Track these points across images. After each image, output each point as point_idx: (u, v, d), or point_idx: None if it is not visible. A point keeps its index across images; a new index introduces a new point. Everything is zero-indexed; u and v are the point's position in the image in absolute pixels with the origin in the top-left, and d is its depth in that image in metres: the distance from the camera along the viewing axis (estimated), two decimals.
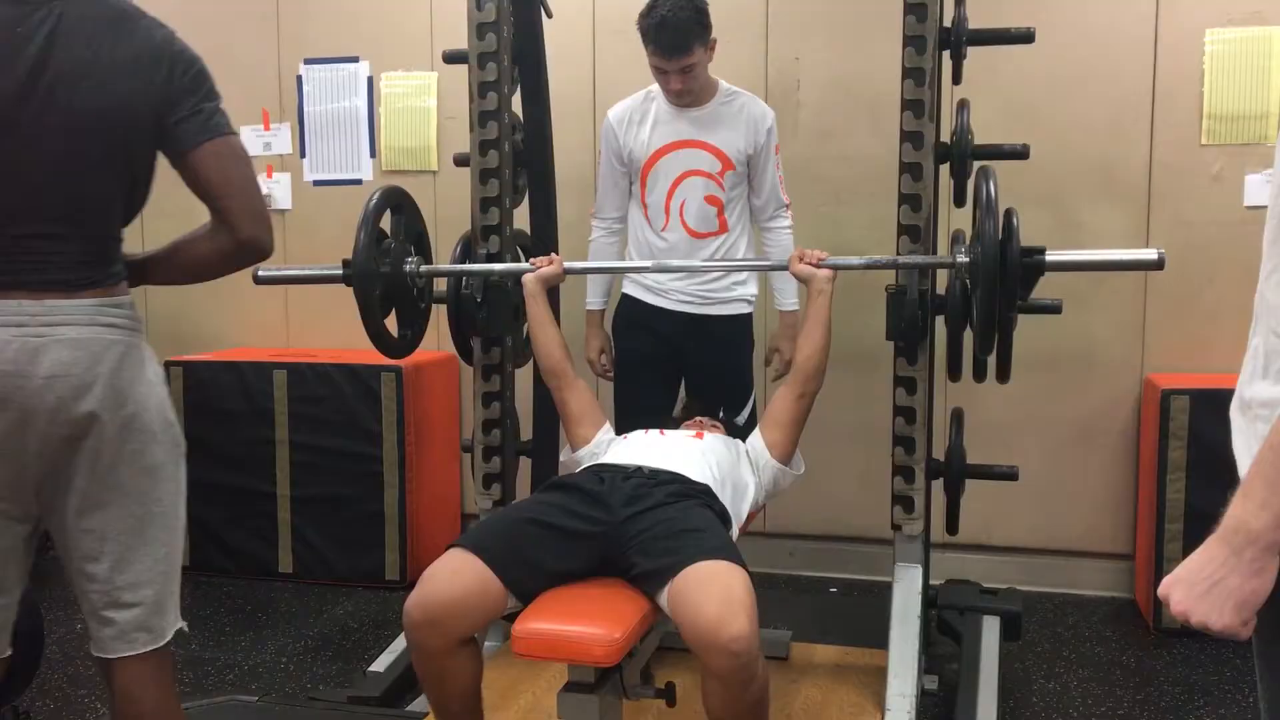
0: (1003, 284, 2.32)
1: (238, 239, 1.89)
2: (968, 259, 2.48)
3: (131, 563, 1.84)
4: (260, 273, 2.93)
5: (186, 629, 1.94)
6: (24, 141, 1.76)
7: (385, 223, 2.86)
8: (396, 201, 2.90)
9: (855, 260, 2.73)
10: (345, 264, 2.74)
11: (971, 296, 2.53)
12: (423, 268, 2.89)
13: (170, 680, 1.93)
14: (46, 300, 1.75)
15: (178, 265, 2.00)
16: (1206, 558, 1.12)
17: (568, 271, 2.87)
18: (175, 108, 1.85)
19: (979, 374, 2.76)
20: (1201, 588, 1.12)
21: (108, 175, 1.83)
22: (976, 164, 2.89)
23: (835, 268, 2.68)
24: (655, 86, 3.16)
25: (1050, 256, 2.37)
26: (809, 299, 2.70)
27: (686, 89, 3.05)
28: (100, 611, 1.84)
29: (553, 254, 2.90)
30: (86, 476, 1.79)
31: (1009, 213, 2.39)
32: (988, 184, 2.39)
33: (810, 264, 2.68)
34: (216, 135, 1.89)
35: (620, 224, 3.32)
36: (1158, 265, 2.38)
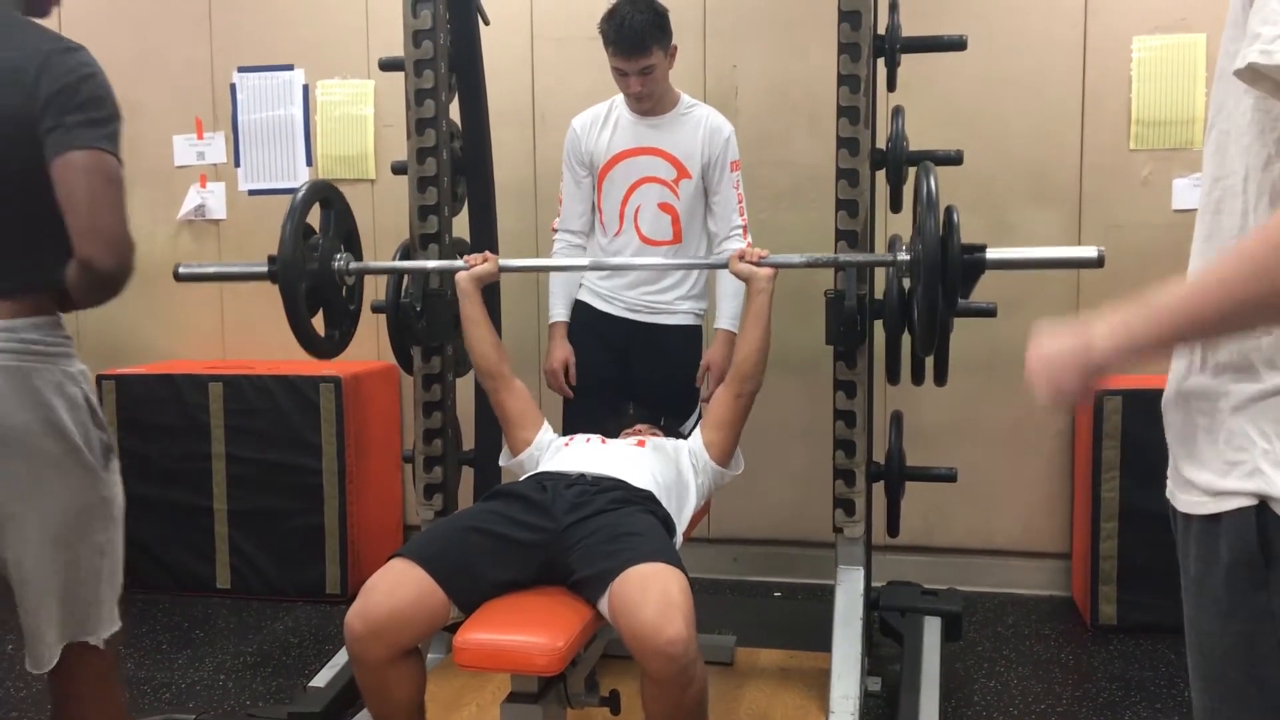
0: (944, 281, 2.34)
1: (76, 259, 1.79)
2: (909, 256, 2.49)
3: (29, 586, 1.87)
4: (181, 270, 2.81)
5: (103, 645, 1.96)
6: None
7: (316, 219, 2.78)
8: (325, 196, 2.80)
9: (796, 258, 2.71)
10: (271, 260, 2.63)
11: (912, 296, 2.55)
12: (352, 265, 2.79)
13: (87, 703, 1.98)
14: None
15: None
16: (1063, 339, 1.26)
17: (503, 269, 2.82)
18: (43, 119, 1.79)
19: (918, 377, 2.79)
20: (1046, 369, 1.27)
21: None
22: (912, 175, 2.93)
23: (776, 266, 2.66)
24: (619, 96, 3.19)
25: (991, 254, 2.38)
26: (748, 297, 2.68)
27: (646, 92, 3.07)
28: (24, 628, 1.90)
29: (487, 252, 2.85)
30: None
31: (949, 209, 2.41)
32: (928, 180, 2.39)
33: (751, 262, 2.67)
34: (72, 149, 1.78)
35: (583, 237, 3.29)
36: (1097, 263, 2.41)
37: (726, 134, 3.19)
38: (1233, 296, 1.05)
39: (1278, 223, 1.02)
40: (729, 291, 3.20)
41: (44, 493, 1.85)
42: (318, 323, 2.78)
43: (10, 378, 1.80)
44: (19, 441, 1.81)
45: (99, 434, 1.92)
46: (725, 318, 3.21)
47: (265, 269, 2.65)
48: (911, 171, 2.92)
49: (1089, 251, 2.40)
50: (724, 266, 2.75)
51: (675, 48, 3.10)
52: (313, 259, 2.69)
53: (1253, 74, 1.06)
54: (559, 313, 3.30)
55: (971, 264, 2.35)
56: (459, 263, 2.83)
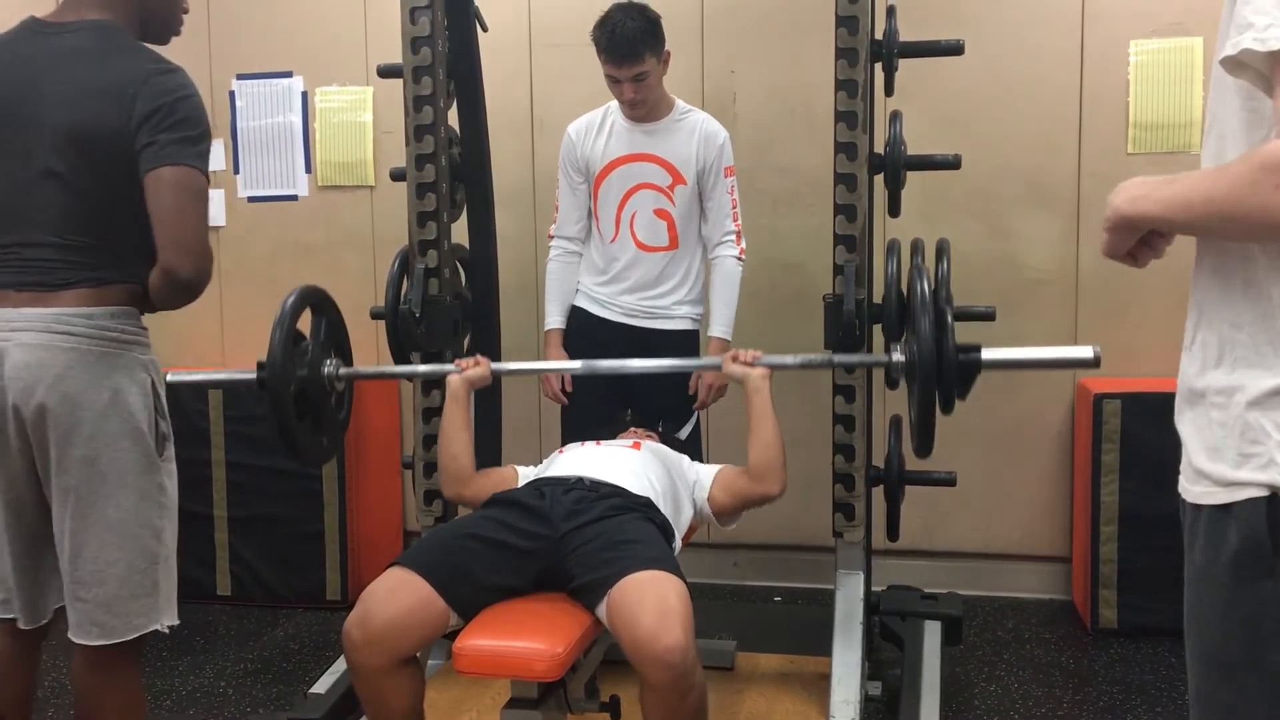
0: (940, 382, 2.29)
1: (159, 266, 1.99)
2: (903, 358, 2.46)
3: (84, 559, 2.01)
4: (170, 378, 2.80)
5: (166, 629, 2.12)
6: (7, 155, 2.01)
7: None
8: (315, 301, 2.74)
9: (790, 359, 2.62)
10: (260, 366, 2.58)
11: (908, 392, 2.47)
12: (342, 370, 2.74)
13: (124, 681, 2.11)
14: (22, 306, 1.99)
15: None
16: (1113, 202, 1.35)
17: (495, 373, 2.78)
18: (137, 135, 1.97)
19: (920, 453, 2.75)
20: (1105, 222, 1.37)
21: (89, 188, 2.00)
22: (910, 180, 2.93)
23: (770, 367, 2.60)
24: (614, 102, 3.20)
25: (986, 354, 2.32)
26: (746, 398, 2.59)
27: (640, 99, 3.07)
28: (68, 598, 2.05)
29: (478, 355, 2.79)
30: (51, 472, 2.00)
31: (943, 311, 2.36)
32: (921, 283, 2.34)
33: (745, 363, 2.60)
34: (163, 164, 1.95)
35: (579, 244, 3.29)
36: (1093, 363, 2.39)
37: (721, 140, 3.19)
38: (1209, 204, 1.19)
39: (1263, 150, 1.10)
40: (722, 299, 3.19)
41: (104, 470, 2.00)
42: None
43: (84, 359, 1.99)
44: (87, 419, 1.98)
45: (161, 422, 2.09)
46: (718, 325, 3.20)
47: (254, 375, 2.60)
48: (909, 176, 2.94)
49: (1085, 352, 2.35)
50: (717, 366, 2.69)
51: (668, 53, 3.11)
52: (302, 365, 2.64)
53: (1234, 64, 1.09)
54: (554, 320, 3.30)
55: (967, 365, 2.30)
56: (450, 366, 2.78)
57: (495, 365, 2.78)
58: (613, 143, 3.19)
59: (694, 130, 3.17)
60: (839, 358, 2.69)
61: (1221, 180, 1.16)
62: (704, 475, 2.70)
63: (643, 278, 3.21)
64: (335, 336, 2.79)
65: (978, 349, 2.31)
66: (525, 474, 2.69)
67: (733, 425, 3.91)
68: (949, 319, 2.32)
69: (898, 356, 2.46)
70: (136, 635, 2.07)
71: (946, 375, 2.27)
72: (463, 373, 2.72)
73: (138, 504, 2.03)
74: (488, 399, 3.17)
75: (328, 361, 2.71)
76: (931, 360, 2.24)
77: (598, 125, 3.23)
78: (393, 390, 4.30)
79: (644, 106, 3.12)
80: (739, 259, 3.21)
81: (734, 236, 3.21)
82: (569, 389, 3.26)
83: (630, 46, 2.97)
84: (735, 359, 2.62)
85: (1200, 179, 1.20)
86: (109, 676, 2.09)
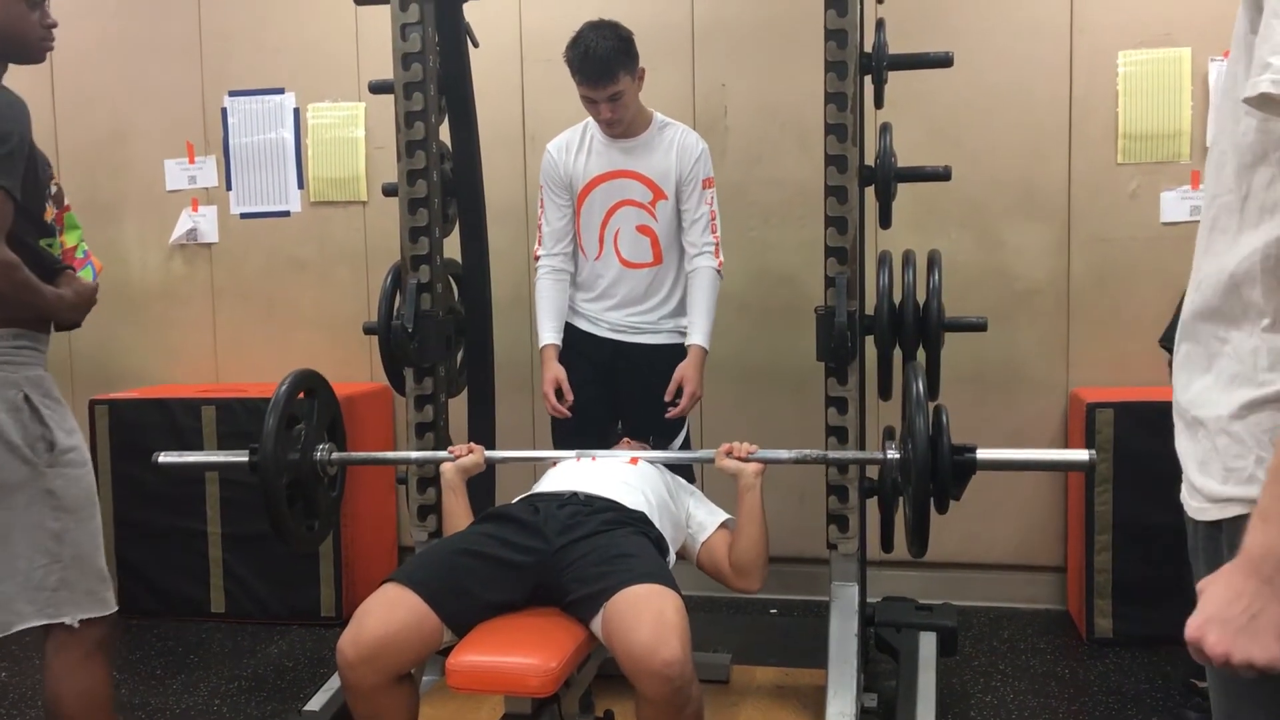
0: (934, 480, 2.29)
1: None
2: (898, 455, 2.45)
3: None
4: (162, 459, 2.83)
5: (75, 624, 2.25)
6: None
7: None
8: (309, 385, 2.76)
9: (784, 454, 2.63)
10: (252, 450, 2.61)
11: (903, 493, 2.49)
12: (334, 455, 2.76)
13: (81, 669, 2.27)
14: None
15: None
16: (1234, 592, 1.07)
17: (489, 461, 2.78)
18: None
19: (914, 554, 2.76)
20: (1239, 623, 1.06)
21: None
22: (902, 192, 2.95)
23: (764, 461, 2.61)
24: (591, 119, 3.17)
25: (981, 454, 2.32)
26: (738, 494, 2.60)
27: (616, 118, 3.05)
28: None
29: (472, 444, 2.80)
30: None
31: (939, 409, 2.36)
32: (915, 382, 2.35)
33: (739, 458, 2.61)
34: None
35: (566, 260, 3.24)
36: (1088, 467, 2.37)
37: (698, 152, 3.15)
38: None
39: None
40: (700, 308, 3.13)
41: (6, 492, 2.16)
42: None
43: None
44: None
45: (41, 430, 2.21)
46: (697, 333, 3.13)
47: (246, 460, 2.62)
48: (900, 188, 2.95)
49: (1080, 455, 2.37)
50: (710, 461, 2.69)
51: (643, 70, 3.07)
52: (294, 449, 2.65)
53: (1263, 100, 1.08)
54: (549, 336, 3.22)
55: (962, 465, 2.30)
56: (444, 454, 2.79)
57: (488, 454, 2.78)
58: (593, 160, 3.17)
59: (672, 144, 3.14)
60: (834, 454, 2.69)
61: None
62: (706, 522, 2.70)
63: (628, 294, 3.20)
64: (328, 419, 2.81)
65: (973, 450, 2.31)
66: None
67: (725, 437, 3.92)
68: (944, 419, 2.32)
69: (892, 454, 2.46)
70: (43, 624, 2.23)
71: (941, 476, 2.26)
72: (455, 460, 2.72)
73: (25, 509, 2.19)
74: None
75: (320, 446, 2.72)
76: (927, 461, 2.23)
77: (577, 143, 3.19)
78: (387, 405, 4.30)
79: (621, 125, 3.09)
80: (718, 270, 3.17)
81: (713, 248, 3.16)
82: (569, 399, 3.21)
83: (604, 67, 2.94)
84: (729, 453, 2.62)
85: None
86: (64, 663, 2.26)
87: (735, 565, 2.60)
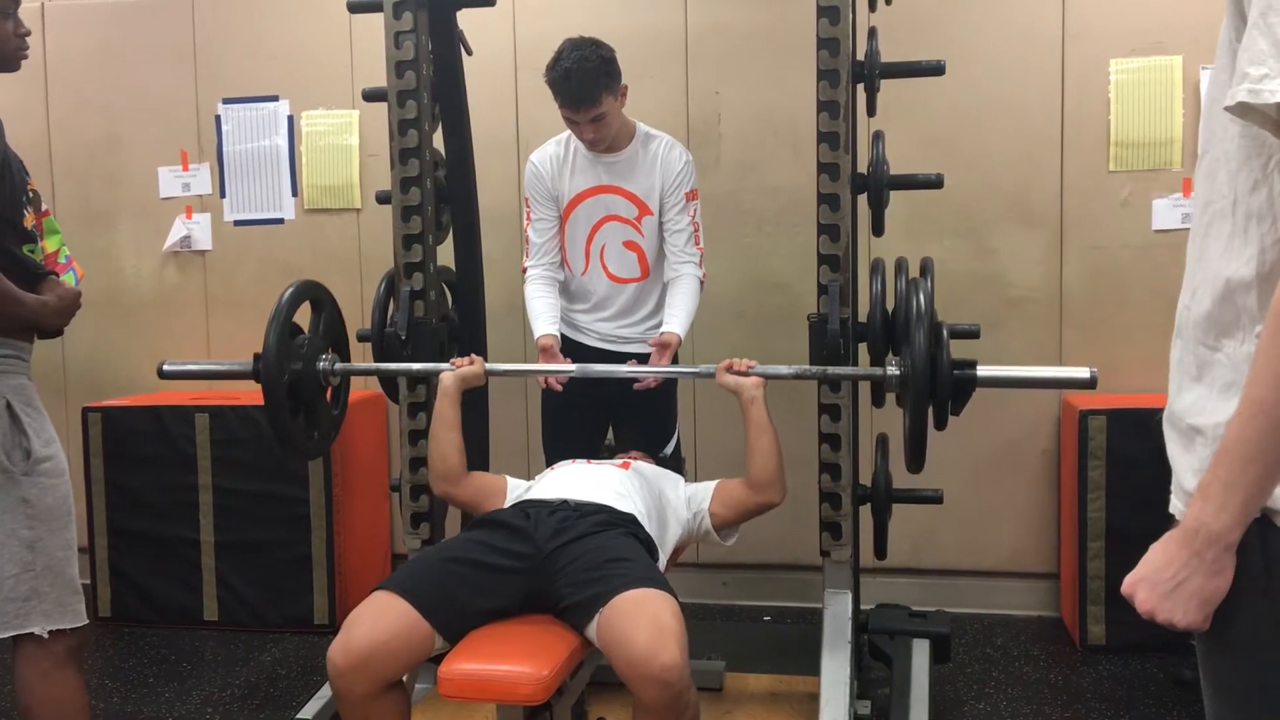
0: (934, 398, 2.30)
1: None
2: (898, 372, 2.47)
3: None
4: (165, 367, 2.84)
5: (45, 634, 2.26)
6: None
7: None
8: (314, 296, 2.79)
9: (784, 370, 2.67)
10: (255, 358, 2.63)
11: (902, 405, 2.50)
12: (337, 365, 2.78)
13: (55, 678, 2.27)
14: None
15: None
16: (1168, 558, 1.17)
17: (489, 373, 2.80)
18: None
19: (912, 468, 2.77)
20: (1166, 587, 1.17)
21: None
22: (894, 200, 2.95)
23: (763, 376, 2.64)
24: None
25: (982, 371, 2.33)
26: (743, 409, 2.63)
27: (600, 137, 3.02)
28: None
29: (473, 355, 2.81)
30: None
31: (939, 325, 2.37)
32: (917, 296, 2.36)
33: (739, 372, 2.64)
34: None
35: (555, 270, 3.21)
36: (1090, 384, 2.39)
37: (680, 165, 3.12)
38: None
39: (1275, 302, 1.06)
40: (680, 304, 3.09)
41: None
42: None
43: None
44: None
45: (19, 438, 2.22)
46: (674, 322, 3.07)
47: (249, 367, 2.65)
48: (893, 195, 2.95)
49: (1081, 372, 2.38)
50: (711, 376, 2.70)
51: (625, 87, 3.04)
52: (297, 358, 2.68)
53: (1243, 109, 1.10)
54: (545, 327, 3.12)
55: (962, 380, 2.31)
56: (445, 365, 2.81)
57: (489, 365, 2.80)
58: (577, 177, 3.14)
59: (656, 159, 3.11)
60: (833, 370, 2.69)
61: (1274, 363, 1.07)
62: (701, 491, 2.71)
63: (617, 308, 3.20)
64: (333, 332, 2.83)
65: (973, 365, 2.32)
66: (514, 485, 2.70)
67: (718, 441, 3.93)
68: (944, 334, 2.33)
69: (892, 370, 2.47)
70: (12, 634, 2.24)
71: (941, 391, 2.27)
72: (456, 370, 2.73)
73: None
74: (475, 408, 3.13)
75: (323, 357, 2.74)
76: (926, 376, 2.24)
77: (561, 156, 3.16)
78: (380, 414, 4.30)
79: (604, 143, 3.06)
80: (701, 280, 3.15)
81: (696, 259, 3.14)
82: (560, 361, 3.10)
83: (585, 90, 2.90)
84: (729, 369, 2.64)
85: (1249, 401, 1.10)
86: (35, 673, 2.26)
87: (754, 483, 2.62)
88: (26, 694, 2.27)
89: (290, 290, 2.68)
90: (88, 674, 2.42)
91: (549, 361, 3.10)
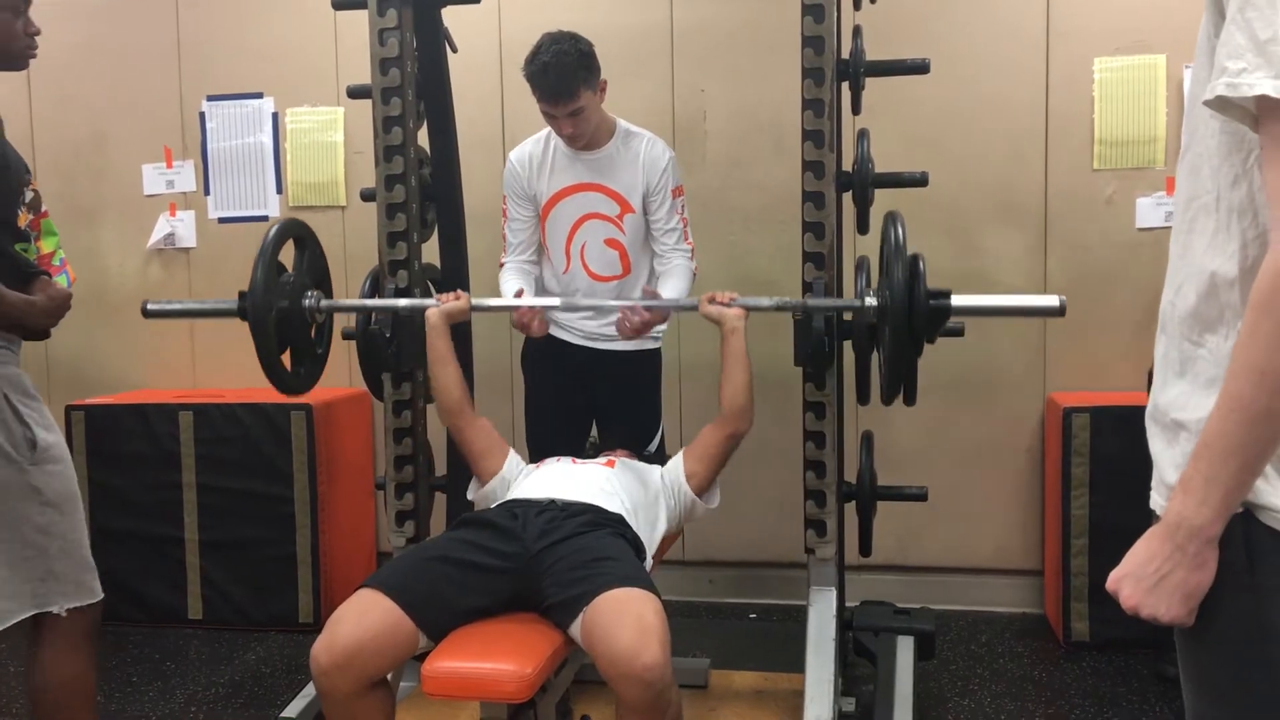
0: (911, 326, 2.35)
1: None
2: (876, 302, 2.50)
3: None
4: (149, 306, 2.84)
5: (64, 613, 2.31)
6: None
7: (289, 256, 2.81)
8: (298, 234, 2.84)
9: (765, 301, 2.73)
10: (241, 296, 2.66)
11: (879, 335, 2.56)
12: (322, 303, 2.82)
13: (66, 657, 2.33)
14: None
15: None
16: (1150, 553, 1.19)
17: (474, 309, 2.84)
18: None
19: (887, 397, 2.80)
20: (1149, 582, 1.19)
21: None
22: (879, 198, 2.96)
23: (745, 308, 2.69)
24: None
25: (956, 300, 2.40)
26: (722, 339, 2.69)
27: (578, 132, 3.00)
28: None
29: (460, 290, 2.85)
30: None
31: (916, 256, 2.42)
32: (895, 227, 2.41)
33: (721, 303, 2.68)
34: None
35: (529, 265, 3.22)
36: (1059, 312, 2.44)
37: (664, 163, 3.11)
38: (1262, 380, 1.08)
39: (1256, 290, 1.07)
40: (672, 283, 3.09)
41: None
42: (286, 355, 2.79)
43: None
44: None
45: (22, 430, 2.25)
46: (668, 291, 3.07)
47: (235, 305, 2.66)
48: (878, 194, 2.96)
49: (1051, 300, 2.45)
50: (694, 308, 2.75)
51: (604, 82, 3.02)
52: (283, 296, 2.70)
53: (1221, 103, 1.12)
54: (513, 288, 3.08)
55: (937, 310, 2.38)
56: (430, 300, 2.83)
57: (474, 300, 2.83)
58: (557, 175, 3.12)
59: (638, 156, 3.10)
60: (813, 301, 2.72)
61: (1253, 356, 1.08)
62: (673, 465, 2.75)
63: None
64: (316, 270, 2.87)
65: (948, 294, 2.39)
66: (511, 465, 2.71)
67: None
68: (921, 265, 2.40)
69: (870, 301, 2.50)
70: (32, 614, 2.29)
71: (918, 320, 2.33)
72: (441, 305, 2.77)
73: (11, 507, 2.25)
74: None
75: (309, 294, 2.78)
76: (904, 305, 2.29)
77: (540, 155, 3.14)
78: (365, 410, 4.29)
79: (583, 139, 3.04)
80: (694, 272, 3.16)
81: (688, 253, 3.15)
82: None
83: (563, 84, 2.88)
84: (712, 300, 2.69)
85: (1228, 395, 1.10)
86: (51, 653, 2.32)
87: (726, 412, 2.70)
88: (41, 673, 2.32)
89: (275, 228, 2.72)
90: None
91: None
